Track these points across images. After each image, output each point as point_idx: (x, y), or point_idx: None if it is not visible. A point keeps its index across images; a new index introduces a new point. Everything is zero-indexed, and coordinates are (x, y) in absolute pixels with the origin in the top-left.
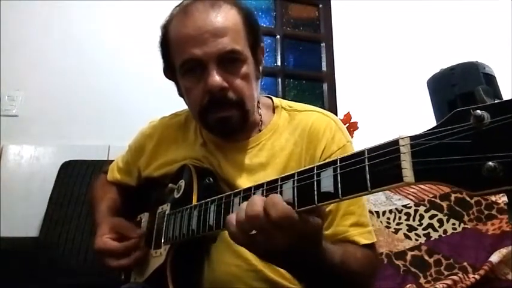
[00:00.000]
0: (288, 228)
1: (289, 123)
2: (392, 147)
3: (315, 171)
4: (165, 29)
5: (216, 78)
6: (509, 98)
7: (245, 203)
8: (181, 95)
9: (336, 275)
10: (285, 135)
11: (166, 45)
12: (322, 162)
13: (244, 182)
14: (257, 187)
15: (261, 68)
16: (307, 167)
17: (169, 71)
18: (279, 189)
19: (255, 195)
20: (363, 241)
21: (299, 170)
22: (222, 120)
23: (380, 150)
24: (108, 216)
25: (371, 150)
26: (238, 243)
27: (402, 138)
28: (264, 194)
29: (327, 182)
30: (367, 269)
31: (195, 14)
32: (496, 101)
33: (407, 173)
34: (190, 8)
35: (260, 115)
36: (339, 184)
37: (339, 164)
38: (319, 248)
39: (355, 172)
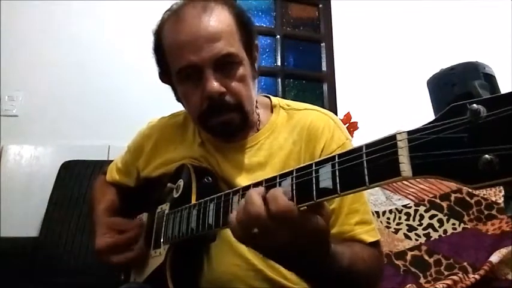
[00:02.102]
0: (288, 224)
1: (287, 122)
2: (389, 142)
3: (314, 168)
4: (158, 34)
5: (214, 84)
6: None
7: (243, 199)
8: (179, 99)
9: (343, 278)
10: (283, 135)
11: (161, 51)
12: (320, 159)
13: (243, 181)
14: (256, 185)
15: (256, 65)
16: (306, 164)
17: (165, 76)
18: (277, 187)
19: (252, 190)
20: (369, 239)
21: (298, 167)
22: (222, 123)
23: (378, 145)
24: (106, 217)
25: (369, 145)
26: (241, 242)
27: (400, 133)
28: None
29: (325, 178)
30: (374, 270)
31: (188, 19)
32: (492, 95)
33: (405, 168)
34: (182, 13)
35: (258, 114)
36: (337, 180)
37: (337, 160)
38: (325, 251)
39: (353, 167)
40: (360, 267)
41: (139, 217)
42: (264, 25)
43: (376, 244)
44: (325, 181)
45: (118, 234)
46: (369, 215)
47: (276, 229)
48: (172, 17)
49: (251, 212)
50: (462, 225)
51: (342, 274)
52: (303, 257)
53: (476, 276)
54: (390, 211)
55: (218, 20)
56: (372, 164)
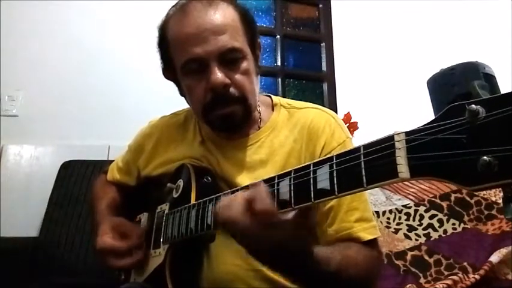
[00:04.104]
0: (269, 225)
1: (288, 121)
2: (387, 143)
3: (312, 169)
4: (163, 29)
5: (219, 75)
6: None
7: (226, 198)
8: (182, 94)
9: (330, 282)
10: (284, 133)
11: (165, 45)
12: (318, 159)
13: (244, 179)
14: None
15: (258, 63)
16: (304, 164)
17: (169, 72)
18: (275, 187)
19: (237, 196)
20: (368, 236)
21: (296, 168)
22: (225, 116)
23: (375, 146)
24: (109, 216)
25: (367, 146)
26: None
27: (397, 133)
28: None
29: (323, 179)
30: (369, 273)
31: (194, 12)
32: (491, 95)
33: (403, 169)
34: (188, 7)
35: (259, 112)
36: (335, 181)
37: (335, 161)
38: (307, 256)
39: (350, 168)
40: (351, 272)
41: (139, 217)
42: (264, 25)
43: (374, 242)
44: (323, 182)
45: (120, 238)
46: (369, 213)
47: (257, 229)
48: (178, 12)
49: (230, 215)
50: (462, 225)
51: (329, 278)
52: (285, 261)
53: (476, 276)
54: (390, 211)
55: (223, 14)
56: (370, 165)
